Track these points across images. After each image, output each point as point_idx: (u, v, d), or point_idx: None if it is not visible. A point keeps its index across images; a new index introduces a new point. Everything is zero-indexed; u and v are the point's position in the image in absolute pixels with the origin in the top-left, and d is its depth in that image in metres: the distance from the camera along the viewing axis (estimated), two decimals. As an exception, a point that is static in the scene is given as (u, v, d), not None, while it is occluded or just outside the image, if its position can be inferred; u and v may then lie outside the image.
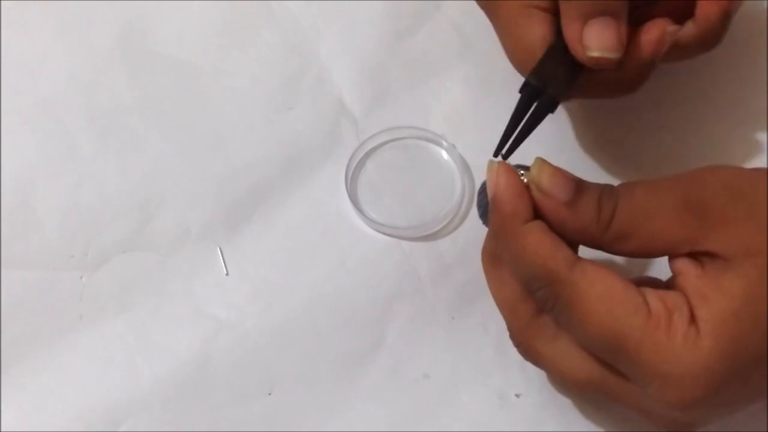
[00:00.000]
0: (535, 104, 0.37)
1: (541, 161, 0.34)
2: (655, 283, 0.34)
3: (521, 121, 0.37)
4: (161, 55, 0.48)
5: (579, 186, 0.33)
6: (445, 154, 0.46)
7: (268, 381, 0.42)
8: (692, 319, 0.31)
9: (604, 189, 0.33)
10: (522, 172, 0.34)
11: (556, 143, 0.45)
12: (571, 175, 0.34)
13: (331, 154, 0.46)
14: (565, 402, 0.41)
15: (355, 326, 0.43)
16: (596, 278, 0.32)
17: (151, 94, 0.47)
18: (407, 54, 0.48)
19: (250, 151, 0.46)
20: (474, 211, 0.45)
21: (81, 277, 0.44)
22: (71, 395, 0.42)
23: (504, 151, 0.37)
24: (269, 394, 0.42)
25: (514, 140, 0.37)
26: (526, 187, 0.34)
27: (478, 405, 0.42)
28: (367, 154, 0.46)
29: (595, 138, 0.46)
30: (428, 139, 0.46)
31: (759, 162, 0.45)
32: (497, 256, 0.36)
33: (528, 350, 0.36)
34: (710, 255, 0.32)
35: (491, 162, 0.35)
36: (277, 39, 0.48)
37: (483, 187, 0.36)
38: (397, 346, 0.43)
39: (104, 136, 0.47)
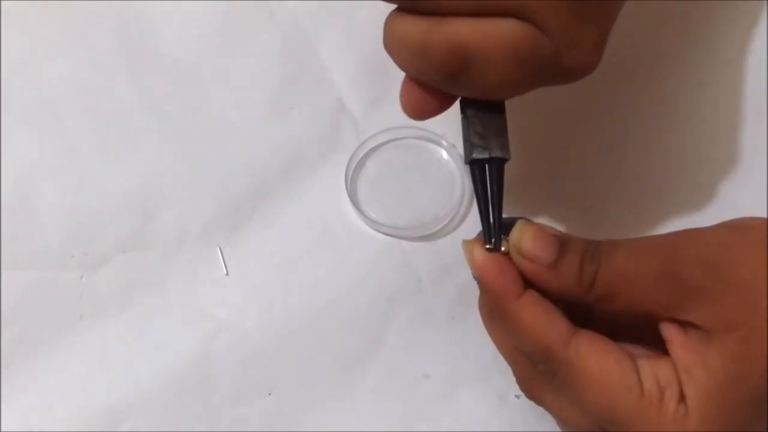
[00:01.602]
0: (487, 171, 0.36)
1: (522, 224, 0.34)
2: (650, 342, 0.34)
3: (488, 194, 0.36)
4: (161, 55, 0.48)
5: (562, 245, 0.33)
6: (445, 154, 0.46)
7: (267, 381, 0.42)
8: (681, 396, 0.31)
9: (587, 249, 0.33)
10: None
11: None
12: (553, 232, 0.33)
13: (331, 154, 0.46)
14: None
15: (355, 326, 0.43)
16: (591, 356, 0.32)
17: (151, 94, 0.47)
18: (407, 54, 0.48)
19: (250, 151, 0.46)
20: (474, 211, 0.45)
21: (81, 277, 0.44)
22: (71, 395, 0.42)
23: (493, 236, 0.35)
24: (269, 394, 0.42)
25: (493, 217, 0.35)
26: (507, 254, 0.34)
27: (478, 405, 0.42)
28: (367, 154, 0.46)
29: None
30: (428, 139, 0.46)
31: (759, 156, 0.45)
32: (493, 315, 0.36)
33: (532, 397, 0.36)
34: (692, 325, 0.32)
35: (464, 242, 0.35)
36: (277, 39, 0.48)
37: None
38: (397, 346, 0.43)
39: (104, 136, 0.47)
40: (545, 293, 0.33)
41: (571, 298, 0.34)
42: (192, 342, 0.43)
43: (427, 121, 0.46)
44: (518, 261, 0.33)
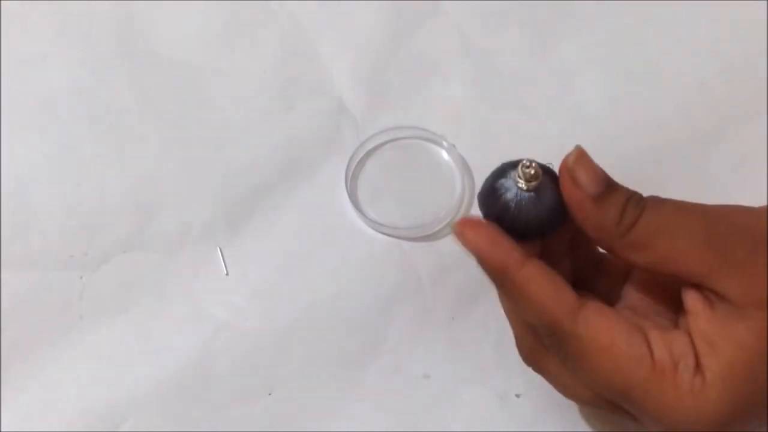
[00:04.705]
0: None
1: (580, 151, 0.33)
2: (662, 314, 0.34)
3: None
4: (161, 55, 0.48)
5: (609, 184, 0.32)
6: (445, 154, 0.46)
7: (268, 381, 0.42)
8: (698, 367, 0.31)
9: (633, 195, 0.33)
10: (532, 165, 0.32)
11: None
12: (604, 172, 0.33)
13: (331, 154, 0.46)
14: (565, 402, 0.40)
15: (355, 326, 0.43)
16: (599, 329, 0.32)
17: (151, 94, 0.47)
18: (407, 54, 0.48)
19: (249, 151, 0.46)
20: (474, 212, 0.45)
21: (81, 277, 0.44)
22: (71, 395, 0.42)
23: None
24: (269, 394, 0.42)
25: None
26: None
27: (478, 405, 0.42)
28: (367, 154, 0.46)
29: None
30: (428, 139, 0.46)
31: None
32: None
33: (535, 366, 0.36)
34: (722, 297, 0.31)
35: (452, 226, 0.34)
36: (277, 39, 0.48)
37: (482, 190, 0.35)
38: (397, 346, 0.43)
39: (104, 136, 0.47)
40: (582, 228, 0.33)
41: (602, 240, 0.33)
42: (192, 342, 0.43)
43: (427, 121, 0.46)
44: (566, 184, 0.32)
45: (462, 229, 0.33)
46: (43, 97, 0.47)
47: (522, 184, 0.32)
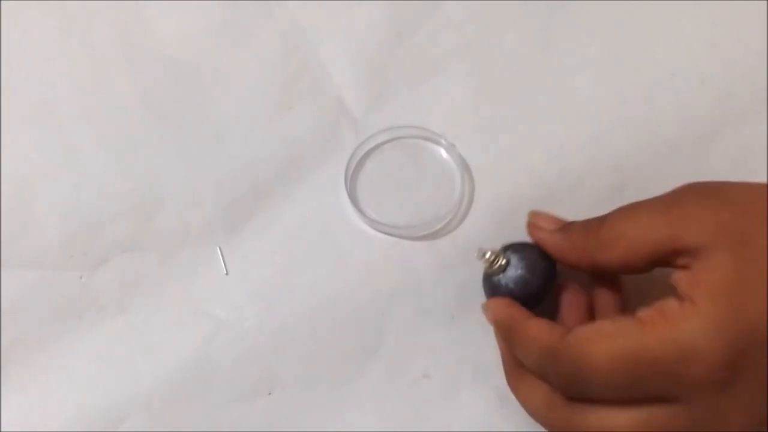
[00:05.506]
0: None
1: (533, 211, 0.40)
2: None
3: None
4: (161, 54, 0.48)
5: (567, 222, 0.39)
6: (444, 153, 0.46)
7: (267, 381, 0.42)
8: (684, 298, 0.33)
9: (591, 218, 0.38)
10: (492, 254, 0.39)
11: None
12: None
13: (330, 153, 0.46)
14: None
15: (355, 326, 0.43)
16: (584, 330, 0.35)
17: (151, 94, 0.47)
18: (407, 54, 0.48)
19: (249, 150, 0.46)
20: (474, 211, 0.45)
21: (81, 277, 0.44)
22: (71, 395, 0.42)
23: None
24: (269, 393, 0.42)
25: None
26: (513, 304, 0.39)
27: (479, 405, 0.42)
28: (367, 154, 0.46)
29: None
30: (428, 139, 0.46)
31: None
32: (517, 368, 0.39)
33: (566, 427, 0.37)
34: (693, 253, 0.33)
35: (482, 306, 0.40)
36: (277, 39, 0.48)
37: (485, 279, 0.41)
38: (397, 346, 0.43)
39: (104, 136, 0.47)
40: (562, 260, 0.38)
41: (580, 257, 0.37)
42: (192, 342, 0.43)
43: (426, 120, 0.46)
44: (532, 232, 0.39)
45: (487, 307, 0.40)
46: (43, 96, 0.47)
47: (490, 271, 0.40)
